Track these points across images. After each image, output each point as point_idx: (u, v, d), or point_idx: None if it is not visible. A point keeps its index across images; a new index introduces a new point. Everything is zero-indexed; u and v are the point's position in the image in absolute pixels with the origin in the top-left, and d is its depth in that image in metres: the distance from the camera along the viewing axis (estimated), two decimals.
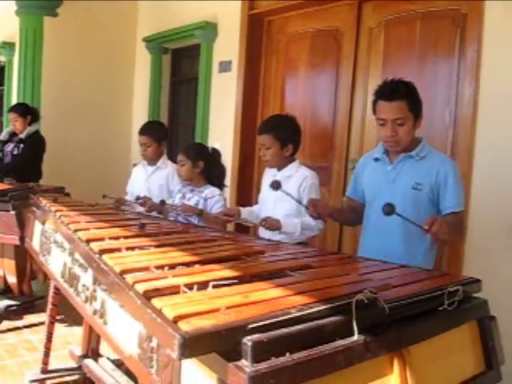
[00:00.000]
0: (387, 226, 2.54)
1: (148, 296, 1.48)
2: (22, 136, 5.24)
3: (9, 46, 7.31)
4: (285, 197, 3.01)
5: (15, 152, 5.23)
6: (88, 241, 2.17)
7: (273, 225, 2.96)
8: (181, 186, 3.79)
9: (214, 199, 3.55)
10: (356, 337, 1.35)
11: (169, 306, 1.36)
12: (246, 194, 5.22)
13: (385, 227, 2.57)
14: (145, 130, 4.03)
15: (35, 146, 5.26)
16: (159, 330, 1.32)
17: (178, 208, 3.47)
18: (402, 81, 2.61)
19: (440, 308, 1.63)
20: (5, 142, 5.37)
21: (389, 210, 2.08)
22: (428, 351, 1.57)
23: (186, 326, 1.24)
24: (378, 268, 2.00)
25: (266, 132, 3.16)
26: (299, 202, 2.87)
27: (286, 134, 3.16)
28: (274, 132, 3.13)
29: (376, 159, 2.75)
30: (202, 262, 1.90)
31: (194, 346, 1.20)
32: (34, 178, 5.09)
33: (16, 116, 5.23)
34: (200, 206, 3.50)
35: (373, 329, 1.41)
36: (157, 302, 1.41)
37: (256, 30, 5.25)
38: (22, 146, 5.22)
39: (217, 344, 1.23)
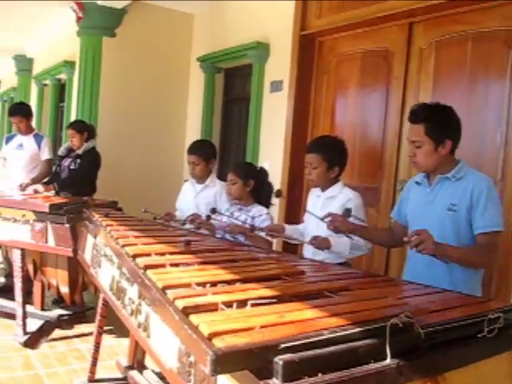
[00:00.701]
0: None
1: (186, 312, 1.53)
2: (79, 152, 5.39)
3: (69, 64, 7.60)
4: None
5: (72, 167, 5.39)
6: (134, 256, 2.24)
7: (322, 244, 2.97)
8: (229, 204, 3.84)
9: (261, 218, 3.58)
10: (389, 360, 1.36)
11: (205, 323, 1.40)
12: (295, 212, 5.24)
13: None
14: (193, 149, 4.11)
15: (91, 161, 5.40)
16: (194, 346, 1.37)
17: (226, 227, 3.52)
18: (425, 104, 2.66)
19: (479, 335, 1.61)
20: (62, 157, 5.53)
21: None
22: (465, 378, 1.56)
23: (219, 343, 1.28)
24: (418, 292, 2.00)
25: (315, 151, 3.18)
26: (322, 219, 2.89)
27: (334, 156, 3.18)
28: (323, 152, 3.16)
29: (417, 183, 2.79)
30: (243, 281, 1.95)
31: (226, 362, 1.24)
32: (89, 192, 5.25)
33: (74, 132, 5.39)
34: (247, 225, 3.54)
35: (407, 353, 1.41)
36: (194, 319, 1.46)
37: (307, 50, 5.30)
38: (78, 161, 5.36)
39: (249, 362, 1.26)
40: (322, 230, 3.01)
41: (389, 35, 4.57)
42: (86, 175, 5.36)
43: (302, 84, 5.32)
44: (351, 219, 2.87)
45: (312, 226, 3.20)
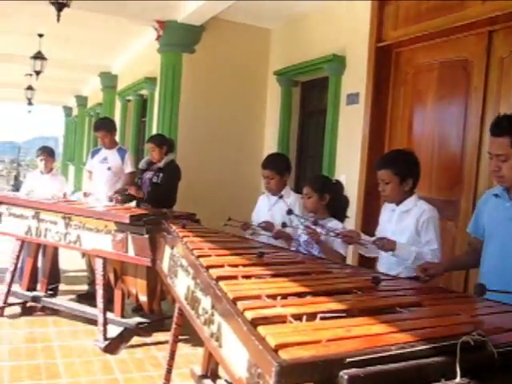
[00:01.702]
0: (504, 268, 2.44)
1: (255, 323, 1.56)
2: (161, 165, 5.55)
3: (151, 80, 7.88)
4: (403, 230, 3.00)
5: (154, 180, 5.55)
6: (208, 267, 2.30)
7: (387, 245, 2.93)
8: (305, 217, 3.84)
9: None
10: (458, 379, 1.32)
11: (272, 335, 1.42)
12: (371, 226, 5.15)
13: (502, 270, 2.47)
14: (267, 164, 4.16)
15: (172, 174, 5.55)
16: (261, 357, 1.39)
17: (307, 228, 3.52)
18: (509, 116, 2.56)
19: None
20: (143, 171, 5.71)
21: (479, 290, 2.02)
22: None
23: (285, 355, 1.30)
24: (493, 310, 1.94)
25: (385, 167, 3.17)
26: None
27: (405, 169, 3.15)
28: (393, 167, 3.13)
29: (496, 195, 2.67)
30: (314, 294, 1.96)
31: (290, 374, 1.25)
32: (169, 204, 5.39)
33: (153, 146, 5.55)
34: (322, 239, 3.53)
35: (478, 373, 1.37)
36: (262, 330, 1.48)
37: (384, 61, 5.25)
38: (160, 174, 5.53)
39: (313, 375, 1.27)
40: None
41: (467, 45, 4.46)
42: (168, 188, 5.51)
43: (378, 96, 5.27)
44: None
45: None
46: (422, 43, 4.91)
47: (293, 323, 1.59)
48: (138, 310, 4.92)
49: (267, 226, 3.82)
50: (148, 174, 5.65)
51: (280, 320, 1.60)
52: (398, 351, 1.35)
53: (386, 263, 3.11)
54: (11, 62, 10.82)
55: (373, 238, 3.43)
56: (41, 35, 8.55)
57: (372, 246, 3.28)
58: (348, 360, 1.28)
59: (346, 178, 5.19)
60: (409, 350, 1.37)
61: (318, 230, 3.56)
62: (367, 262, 4.40)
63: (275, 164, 4.13)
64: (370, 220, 5.20)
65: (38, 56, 9.17)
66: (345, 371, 1.24)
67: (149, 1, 6.26)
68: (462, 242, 4.30)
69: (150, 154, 5.62)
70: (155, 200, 5.40)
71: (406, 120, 5.12)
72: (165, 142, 5.62)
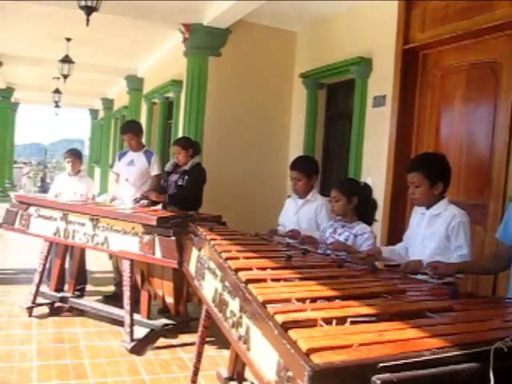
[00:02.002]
0: None
1: (286, 327, 1.56)
2: (186, 168, 5.57)
3: (177, 83, 7.93)
4: (433, 234, 2.98)
5: (180, 183, 5.58)
6: (237, 270, 2.30)
7: (415, 268, 2.90)
8: (332, 220, 3.83)
9: (364, 236, 3.54)
10: None
11: (304, 339, 1.42)
12: (397, 229, 5.14)
13: None
14: (295, 165, 4.15)
15: (198, 177, 5.57)
16: (292, 361, 1.39)
17: (328, 245, 3.51)
18: None
19: None
20: (169, 173, 5.74)
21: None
22: None
23: (317, 359, 1.30)
24: None
25: (415, 170, 3.13)
26: None
27: (436, 173, 3.11)
28: (424, 170, 3.09)
29: None
30: (343, 298, 1.95)
31: (322, 379, 1.25)
32: (195, 206, 5.41)
33: (179, 149, 5.58)
34: (349, 242, 3.52)
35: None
36: (293, 334, 1.48)
37: (411, 64, 5.22)
38: (186, 177, 5.55)
39: (346, 380, 1.27)
40: (428, 250, 2.95)
41: (496, 46, 4.41)
42: (193, 190, 5.53)
43: (405, 98, 5.24)
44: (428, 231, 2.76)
45: (417, 245, 3.13)
46: (449, 45, 4.87)
47: (323, 327, 1.59)
48: (163, 311, 4.94)
49: (294, 235, 3.80)
50: (174, 177, 5.67)
51: (311, 324, 1.61)
52: (432, 357, 1.34)
53: None
54: (39, 66, 11.00)
55: (394, 248, 3.41)
56: (68, 39, 8.67)
57: (392, 255, 3.28)
58: (381, 365, 1.28)
59: (373, 181, 5.16)
60: (442, 355, 1.36)
61: (345, 234, 3.55)
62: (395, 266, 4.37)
63: (303, 166, 4.13)
64: (396, 223, 5.19)
65: (66, 59, 9.30)
66: (378, 376, 1.24)
67: (175, 4, 6.32)
68: (491, 246, 4.26)
69: (176, 156, 5.64)
70: (180, 202, 5.42)
71: (434, 122, 5.08)
72: (191, 145, 5.65)
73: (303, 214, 4.11)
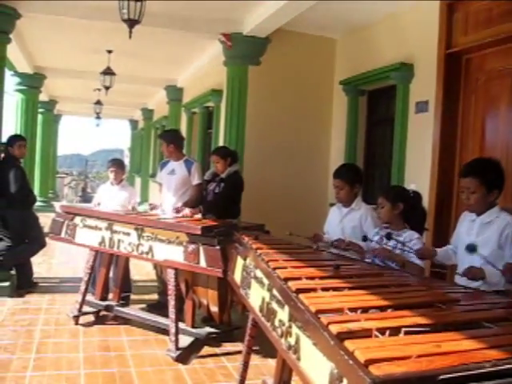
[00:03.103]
0: None
1: (341, 337, 1.55)
2: (223, 176, 5.61)
3: (217, 93, 8.01)
4: (485, 242, 2.92)
5: (216, 191, 5.63)
6: (286, 279, 2.30)
7: (476, 274, 2.84)
8: (378, 228, 3.79)
9: (411, 243, 3.48)
10: None
11: (361, 349, 1.41)
12: (443, 237, 5.05)
13: None
14: (338, 174, 4.13)
15: (234, 185, 5.60)
16: (350, 372, 1.38)
17: (375, 251, 3.50)
18: None
19: None
20: (208, 182, 5.78)
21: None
22: None
23: (376, 371, 1.29)
24: None
25: (472, 175, 3.06)
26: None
27: (492, 180, 3.05)
28: (480, 176, 3.03)
29: None
30: (395, 307, 1.93)
31: None
32: (233, 215, 5.42)
33: (218, 158, 5.62)
34: (397, 250, 3.48)
35: None
36: (349, 345, 1.47)
37: (453, 68, 5.14)
38: (222, 185, 5.60)
39: None
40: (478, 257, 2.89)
41: None
42: (229, 198, 5.56)
43: (448, 104, 5.16)
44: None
45: (466, 252, 3.07)
46: (493, 48, 4.78)
47: (379, 337, 1.58)
48: (207, 320, 4.96)
49: (339, 244, 3.77)
50: (212, 186, 5.72)
51: (365, 334, 1.59)
52: (493, 368, 1.32)
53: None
54: (81, 78, 11.24)
55: (447, 248, 3.36)
56: (109, 51, 8.83)
57: (445, 257, 3.24)
58: (441, 377, 1.26)
59: (416, 188, 5.09)
60: (504, 367, 1.33)
61: (393, 242, 3.51)
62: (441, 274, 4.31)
63: (346, 174, 4.11)
64: (442, 230, 5.10)
65: (108, 71, 9.46)
66: None
67: (215, 14, 6.37)
68: None
69: (215, 165, 5.69)
70: (217, 210, 5.45)
71: (478, 127, 4.99)
72: (229, 154, 5.68)
73: (347, 222, 4.08)
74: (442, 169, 5.12)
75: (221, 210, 5.46)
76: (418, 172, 5.43)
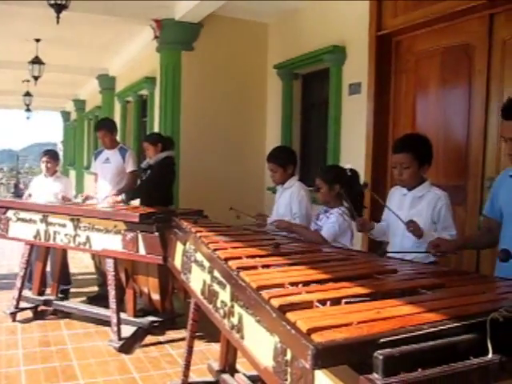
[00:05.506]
0: None
1: (283, 310, 1.56)
2: (151, 162, 5.53)
3: (150, 80, 7.87)
4: (417, 215, 3.01)
5: (143, 177, 5.58)
6: (226, 259, 2.30)
7: (417, 229, 2.92)
8: (321, 208, 3.85)
9: (331, 216, 3.59)
10: (490, 356, 1.33)
11: (303, 319, 1.43)
12: (378, 214, 5.16)
13: None
14: (270, 157, 4.17)
15: (160, 171, 5.50)
16: (293, 342, 1.39)
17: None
18: None
19: None
20: (145, 170, 5.70)
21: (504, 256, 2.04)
22: None
23: (319, 338, 1.30)
24: None
25: (405, 151, 3.13)
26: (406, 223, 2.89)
27: (424, 154, 3.14)
28: (414, 151, 3.11)
29: (511, 176, 2.65)
30: (335, 280, 1.96)
31: (326, 357, 1.26)
32: (161, 201, 5.28)
33: (147, 144, 5.55)
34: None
35: (509, 348, 1.37)
36: (291, 316, 1.49)
37: (384, 50, 5.23)
38: (148, 171, 5.54)
39: (348, 356, 1.28)
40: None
41: (469, 29, 4.43)
42: (155, 184, 5.47)
43: (380, 85, 5.24)
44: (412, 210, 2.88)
45: (399, 226, 3.14)
46: (422, 30, 4.87)
47: (320, 308, 1.60)
48: (144, 310, 4.90)
49: (279, 224, 3.81)
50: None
51: (307, 306, 1.61)
52: (431, 330, 1.36)
53: (398, 249, 3.10)
54: (8, 68, 10.80)
55: (381, 224, 3.45)
56: (38, 40, 8.53)
57: (380, 230, 3.32)
58: (382, 340, 1.29)
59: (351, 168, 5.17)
60: (441, 328, 1.37)
61: (324, 219, 3.60)
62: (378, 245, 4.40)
63: (278, 157, 4.14)
64: (378, 207, 5.19)
65: (36, 61, 9.14)
66: (380, 351, 1.25)
67: (145, 0, 6.26)
68: (472, 227, 4.31)
69: (146, 152, 5.61)
70: (142, 197, 5.44)
71: (410, 107, 5.11)
72: (159, 140, 5.61)
73: (282, 200, 4.13)
74: (376, 148, 5.21)
75: (144, 196, 5.42)
76: (354, 152, 5.52)
